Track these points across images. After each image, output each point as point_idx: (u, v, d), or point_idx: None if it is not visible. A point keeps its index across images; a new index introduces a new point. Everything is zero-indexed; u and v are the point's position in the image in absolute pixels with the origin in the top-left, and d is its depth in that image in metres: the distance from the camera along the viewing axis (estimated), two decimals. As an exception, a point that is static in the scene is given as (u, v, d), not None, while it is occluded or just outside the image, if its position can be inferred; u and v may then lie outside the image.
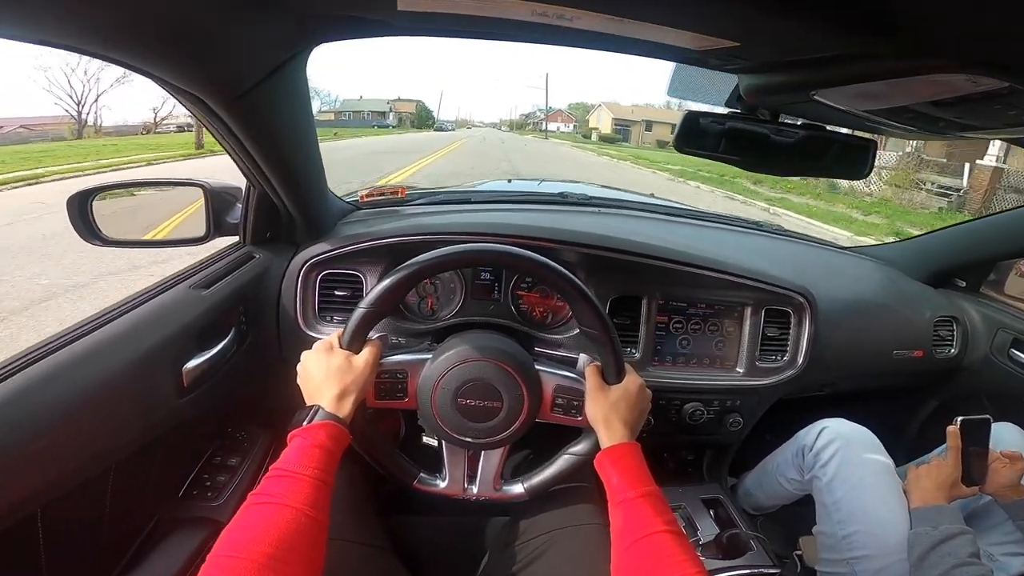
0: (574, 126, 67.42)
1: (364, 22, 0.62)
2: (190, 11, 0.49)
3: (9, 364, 0.59)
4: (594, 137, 48.45)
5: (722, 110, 0.76)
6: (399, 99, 72.00)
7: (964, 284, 1.50)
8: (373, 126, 55.67)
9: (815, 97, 0.64)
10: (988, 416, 0.98)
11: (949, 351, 1.38)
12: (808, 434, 1.11)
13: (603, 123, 51.23)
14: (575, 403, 0.80)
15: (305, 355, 0.75)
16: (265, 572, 0.48)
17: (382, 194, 1.34)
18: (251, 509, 0.55)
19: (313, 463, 0.60)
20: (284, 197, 0.92)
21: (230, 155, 0.81)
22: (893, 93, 0.60)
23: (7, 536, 0.55)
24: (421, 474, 0.83)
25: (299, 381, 0.75)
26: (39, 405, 0.58)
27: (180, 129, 31.05)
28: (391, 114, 65.84)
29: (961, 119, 0.64)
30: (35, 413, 0.57)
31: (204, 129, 0.75)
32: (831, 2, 0.43)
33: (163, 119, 31.88)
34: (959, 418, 0.98)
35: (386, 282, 0.73)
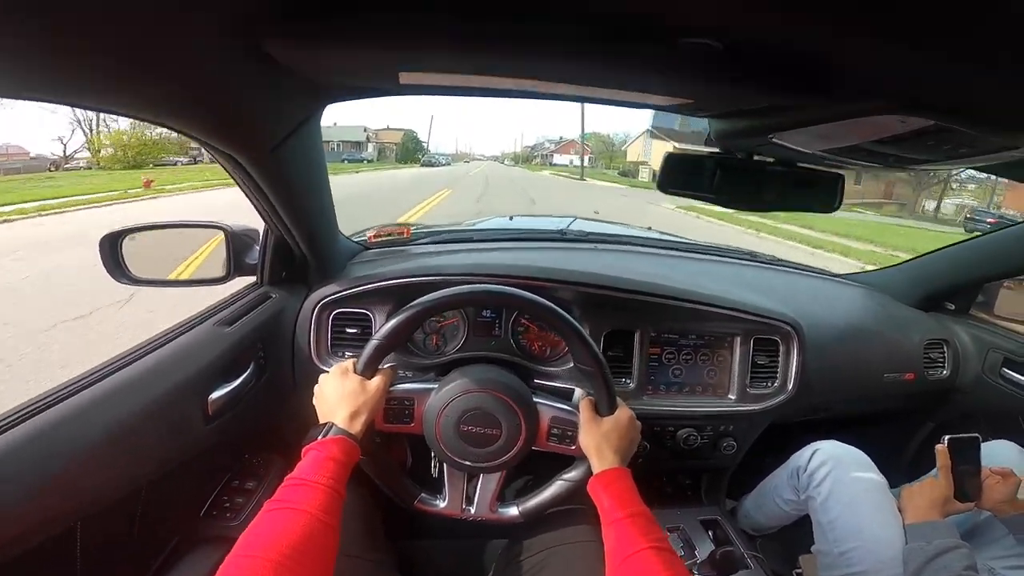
0: (590, 159, 55.99)
1: (372, 88, 0.72)
2: (227, 87, 0.58)
3: (53, 393, 0.66)
4: (644, 175, 35.79)
5: (703, 150, 0.82)
6: (388, 128, 61.58)
7: (953, 307, 1.54)
8: (343, 160, 43.17)
9: (773, 140, 0.71)
10: (976, 434, 1.01)
11: (941, 373, 1.40)
12: (801, 456, 1.14)
13: (655, 156, 37.69)
14: (569, 433, 0.85)
15: (323, 377, 0.81)
16: (282, 572, 0.51)
17: (389, 234, 1.43)
18: (269, 514, 0.59)
19: (327, 473, 0.64)
20: (300, 241, 0.99)
21: (253, 203, 0.90)
22: (840, 134, 0.66)
23: (50, 544, 0.60)
24: (422, 494, 0.88)
25: (315, 400, 0.80)
26: (81, 431, 0.64)
27: (90, 167, 25.77)
28: (370, 144, 52.97)
29: (905, 154, 0.71)
30: (79, 437, 0.63)
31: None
32: (760, 60, 0.50)
33: (74, 153, 26.78)
34: (946, 436, 1.01)
35: (395, 320, 0.80)
